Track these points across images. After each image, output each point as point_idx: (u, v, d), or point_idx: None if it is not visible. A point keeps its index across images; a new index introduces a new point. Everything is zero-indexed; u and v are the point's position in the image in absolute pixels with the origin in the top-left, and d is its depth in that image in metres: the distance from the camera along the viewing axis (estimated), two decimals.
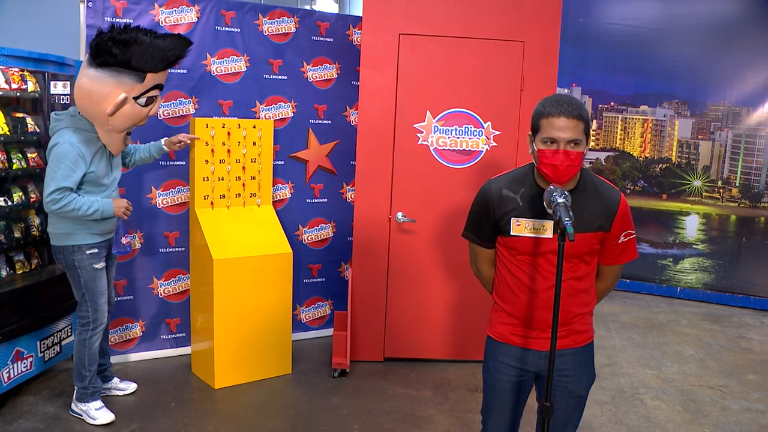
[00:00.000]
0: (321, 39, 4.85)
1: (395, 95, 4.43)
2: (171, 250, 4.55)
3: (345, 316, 4.97)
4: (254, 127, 4.35)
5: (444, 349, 4.71)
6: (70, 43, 4.59)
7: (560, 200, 2.01)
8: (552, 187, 2.09)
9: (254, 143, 4.36)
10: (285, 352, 4.42)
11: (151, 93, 3.50)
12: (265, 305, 4.25)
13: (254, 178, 4.40)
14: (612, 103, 6.79)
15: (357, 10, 12.32)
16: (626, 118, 6.78)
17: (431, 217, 4.54)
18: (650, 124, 6.71)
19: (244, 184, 4.36)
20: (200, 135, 4.14)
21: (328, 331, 5.18)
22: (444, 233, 4.55)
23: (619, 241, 2.33)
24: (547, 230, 2.27)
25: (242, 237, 4.25)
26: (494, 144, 4.49)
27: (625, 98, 6.75)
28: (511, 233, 2.31)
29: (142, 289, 4.49)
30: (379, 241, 4.56)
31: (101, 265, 3.59)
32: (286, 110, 4.80)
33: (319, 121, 4.93)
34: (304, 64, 4.81)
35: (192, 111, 4.47)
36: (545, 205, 2.10)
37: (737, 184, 6.53)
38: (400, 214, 4.50)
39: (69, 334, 4.16)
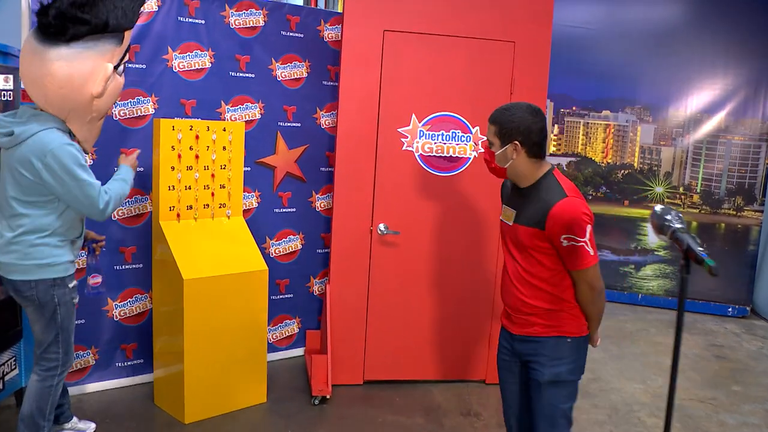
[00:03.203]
0: (291, 34, 4.45)
1: (378, 97, 4.08)
2: (127, 267, 4.05)
3: (318, 336, 4.61)
4: (224, 129, 3.91)
5: (427, 370, 4.40)
6: (10, 30, 4.00)
7: (678, 225, 1.73)
8: (660, 207, 1.81)
9: (224, 148, 3.93)
10: (260, 378, 4.00)
11: (125, 57, 2.96)
12: (239, 327, 3.83)
13: (224, 186, 3.96)
14: (574, 108, 6.66)
15: None
16: (588, 123, 6.67)
17: (416, 229, 4.22)
18: (612, 130, 6.63)
19: (213, 194, 3.92)
20: (166, 138, 3.68)
21: (297, 351, 4.79)
22: (430, 246, 4.25)
23: (563, 245, 2.42)
24: (510, 218, 2.60)
25: (213, 253, 3.80)
26: (482, 150, 4.21)
27: (587, 103, 6.64)
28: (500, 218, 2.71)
29: (95, 311, 3.97)
30: (359, 255, 4.20)
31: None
32: (254, 111, 4.38)
33: (288, 124, 4.53)
34: (273, 61, 4.40)
35: (151, 111, 4.00)
36: (654, 230, 1.81)
37: (698, 191, 6.53)
38: (382, 226, 4.17)
39: (13, 367, 3.60)
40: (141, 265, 4.08)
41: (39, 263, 2.87)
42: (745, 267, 6.47)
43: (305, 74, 4.54)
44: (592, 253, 2.43)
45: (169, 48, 4.01)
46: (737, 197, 6.46)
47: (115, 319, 4.05)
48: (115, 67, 2.89)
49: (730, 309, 6.46)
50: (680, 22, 6.39)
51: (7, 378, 3.55)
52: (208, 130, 3.84)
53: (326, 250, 4.78)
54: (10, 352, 3.57)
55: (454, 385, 4.41)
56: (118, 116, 3.89)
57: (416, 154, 4.16)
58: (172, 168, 3.74)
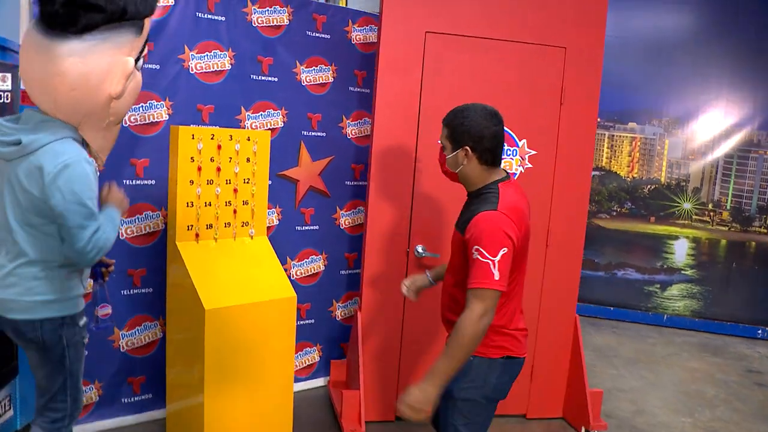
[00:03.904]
0: (317, 35, 4.06)
1: (418, 105, 3.71)
2: (136, 291, 3.62)
3: (343, 366, 4.22)
4: (248, 139, 3.50)
5: None
6: (8, 23, 3.55)
7: None
8: None
9: (248, 159, 3.51)
10: (285, 417, 3.57)
11: (145, 50, 2.51)
12: (264, 361, 3.40)
13: (246, 203, 3.54)
14: (598, 119, 6.31)
15: None
16: (613, 135, 6.34)
17: None
18: (639, 143, 6.31)
19: (235, 211, 3.50)
20: (185, 148, 3.25)
21: (317, 382, 4.37)
22: None
23: (472, 256, 2.26)
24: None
25: (236, 278, 3.38)
26: (529, 165, 3.85)
27: (613, 114, 6.32)
28: None
29: (100, 342, 3.52)
30: (393, 280, 3.80)
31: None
32: (276, 119, 3.97)
33: (312, 133, 4.13)
34: (297, 64, 4.01)
35: (165, 117, 3.58)
36: None
37: (728, 207, 6.24)
38: (420, 248, 3.78)
39: (7, 408, 3.15)
40: (151, 290, 3.65)
41: (44, 299, 2.38)
42: None
43: (331, 79, 4.15)
44: (497, 277, 2.20)
45: (186, 47, 3.59)
46: None
47: (121, 350, 3.61)
48: (135, 62, 2.46)
49: (759, 331, 6.17)
50: (710, 33, 6.10)
51: (0, 420, 3.10)
52: (231, 139, 3.42)
53: (351, 271, 4.38)
54: (5, 390, 3.12)
55: (494, 420, 4.01)
56: (128, 122, 3.46)
57: None
58: (191, 182, 3.31)
